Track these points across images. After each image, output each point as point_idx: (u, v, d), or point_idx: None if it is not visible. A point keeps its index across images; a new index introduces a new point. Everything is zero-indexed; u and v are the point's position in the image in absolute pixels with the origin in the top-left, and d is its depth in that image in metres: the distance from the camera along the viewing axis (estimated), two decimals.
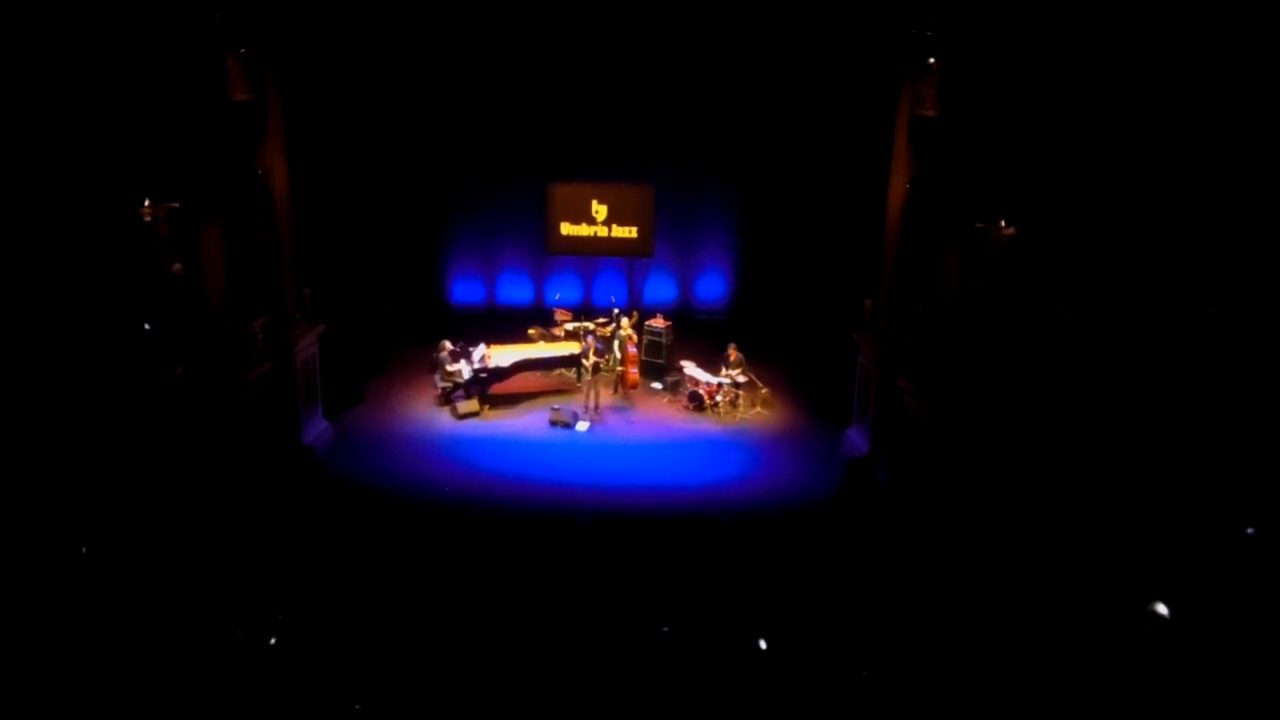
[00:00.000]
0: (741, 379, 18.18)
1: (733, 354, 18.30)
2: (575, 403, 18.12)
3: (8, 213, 12.11)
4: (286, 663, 9.60)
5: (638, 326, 19.35)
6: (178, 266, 13.46)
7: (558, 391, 18.94)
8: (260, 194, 14.98)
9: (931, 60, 14.06)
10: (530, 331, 19.85)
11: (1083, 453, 12.70)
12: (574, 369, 18.98)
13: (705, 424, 17.80)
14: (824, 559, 12.79)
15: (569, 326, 19.77)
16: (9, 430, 11.57)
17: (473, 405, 17.80)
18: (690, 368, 18.64)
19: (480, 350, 18.33)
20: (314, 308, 16.22)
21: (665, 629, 10.28)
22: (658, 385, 19.24)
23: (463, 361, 18.12)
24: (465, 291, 22.50)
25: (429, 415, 17.85)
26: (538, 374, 19.07)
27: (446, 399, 18.06)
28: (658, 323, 19.72)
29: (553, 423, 17.54)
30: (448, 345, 18.36)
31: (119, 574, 10.57)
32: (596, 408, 17.96)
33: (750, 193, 21.67)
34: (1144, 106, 12.80)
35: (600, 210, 21.15)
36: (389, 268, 20.62)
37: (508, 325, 20.32)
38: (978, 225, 13.62)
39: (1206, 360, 12.16)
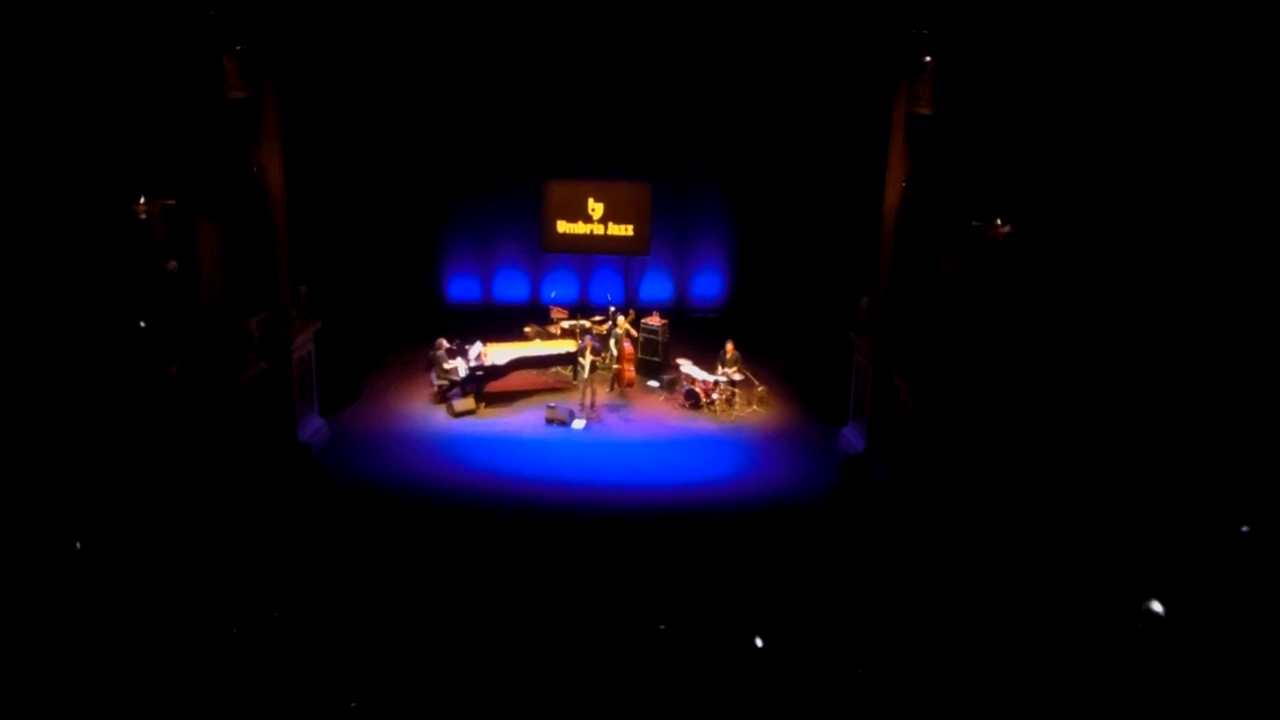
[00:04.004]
0: (738, 377, 18.18)
1: (729, 351, 18.31)
2: (571, 401, 18.11)
3: (3, 210, 12.08)
4: (282, 660, 9.59)
5: (634, 324, 19.34)
6: (173, 264, 13.44)
7: (554, 389, 18.94)
8: (256, 192, 14.96)
9: (928, 58, 14.06)
10: (526, 329, 19.86)
11: (1079, 450, 12.71)
12: (570, 367, 18.98)
13: (701, 422, 17.81)
14: (820, 557, 12.80)
15: (565, 324, 19.78)
16: (3, 427, 11.55)
17: (469, 403, 17.80)
18: (686, 366, 18.64)
19: (476, 348, 18.32)
20: (310, 305, 16.21)
21: (662, 627, 10.28)
22: (654, 383, 19.24)
23: (459, 359, 18.11)
24: (461, 289, 22.52)
25: (425, 413, 17.84)
26: (534, 372, 19.08)
27: (443, 397, 18.05)
28: (654, 321, 19.72)
29: (549, 421, 17.53)
30: (444, 343, 18.35)
31: (113, 571, 10.56)
32: (593, 406, 17.95)
33: (746, 191, 21.71)
34: (1141, 104, 12.81)
35: (596, 208, 21.16)
36: (385, 265, 20.61)
37: (504, 323, 20.32)
38: (974, 223, 13.64)
39: (1203, 358, 12.17)
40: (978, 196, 13.68)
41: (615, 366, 18.89)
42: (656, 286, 22.49)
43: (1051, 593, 10.63)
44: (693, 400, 18.19)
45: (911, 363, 14.86)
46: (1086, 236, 13.39)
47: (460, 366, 17.99)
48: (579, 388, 18.21)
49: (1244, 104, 12.00)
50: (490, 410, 17.97)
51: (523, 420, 17.73)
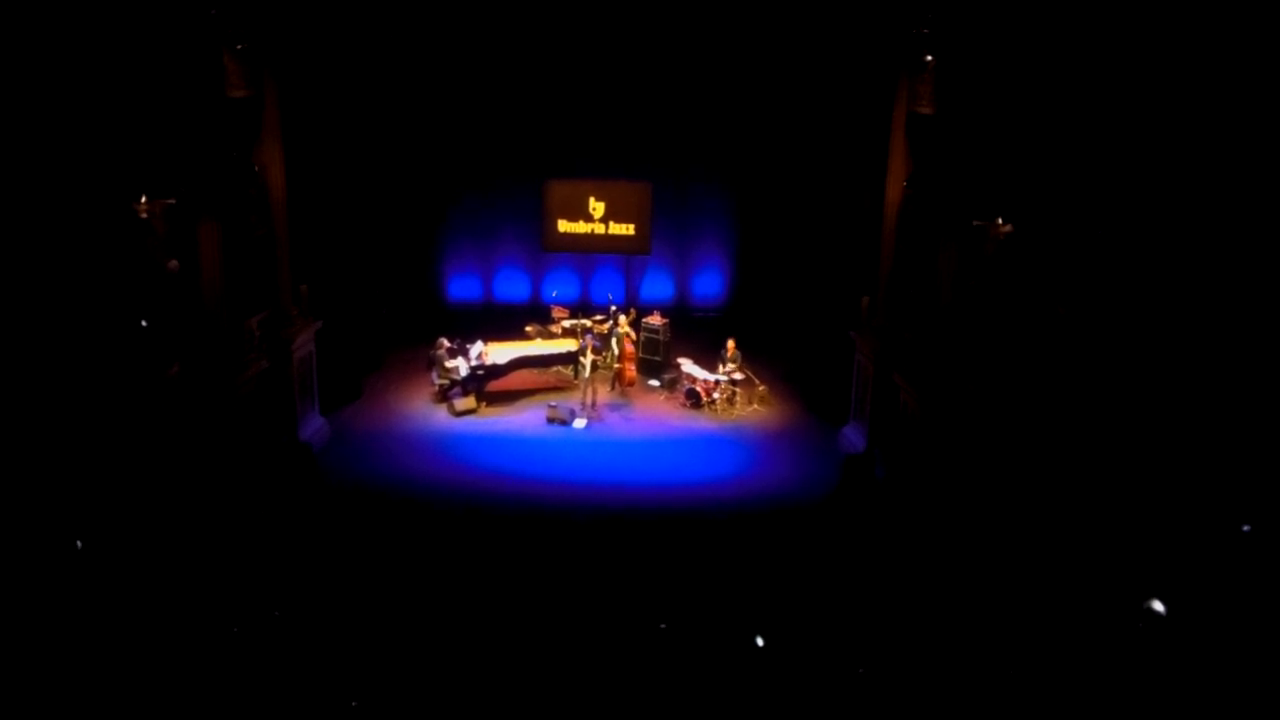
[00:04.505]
0: (739, 376, 18.18)
1: (730, 349, 18.31)
2: (572, 400, 18.11)
3: (4, 209, 12.08)
4: (283, 659, 9.59)
5: (635, 324, 19.33)
6: (174, 264, 13.44)
7: (555, 389, 18.94)
8: (257, 191, 14.96)
9: (929, 58, 14.06)
10: (528, 329, 19.85)
11: (1080, 450, 12.71)
12: (571, 366, 18.98)
13: (702, 421, 17.80)
14: (821, 556, 12.80)
15: (566, 324, 19.77)
16: (4, 427, 11.55)
17: (470, 402, 17.80)
18: (687, 365, 18.64)
19: (477, 347, 18.32)
20: (311, 305, 16.21)
21: (663, 626, 10.28)
22: (655, 382, 19.24)
23: (460, 359, 18.11)
24: (462, 288, 22.52)
25: (426, 412, 17.84)
26: (535, 371, 19.07)
27: (444, 396, 18.05)
28: (655, 320, 19.72)
29: (550, 420, 17.53)
30: (445, 342, 18.35)
31: (114, 570, 10.56)
32: (594, 405, 17.95)
33: (747, 190, 21.71)
34: (1142, 103, 12.80)
35: (597, 207, 21.16)
36: (386, 265, 20.61)
37: (505, 322, 20.31)
38: (975, 223, 13.63)
39: (1205, 358, 12.17)
40: (979, 196, 13.67)
41: (616, 366, 18.89)
42: (657, 286, 22.49)
43: (1052, 592, 10.63)
44: (693, 399, 18.18)
45: (912, 362, 14.86)
46: (1088, 236, 13.38)
47: (461, 366, 17.99)
48: (580, 387, 18.21)
49: (1245, 104, 11.99)
50: (491, 409, 17.97)
51: (524, 419, 17.72)
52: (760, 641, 9.78)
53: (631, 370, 18.86)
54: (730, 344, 18.39)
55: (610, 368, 18.96)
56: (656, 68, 20.13)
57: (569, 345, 18.89)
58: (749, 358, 18.46)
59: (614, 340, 18.86)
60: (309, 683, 9.28)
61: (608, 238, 21.34)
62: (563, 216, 21.26)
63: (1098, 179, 13.26)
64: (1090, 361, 13.18)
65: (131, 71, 12.79)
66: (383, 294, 20.40)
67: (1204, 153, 12.37)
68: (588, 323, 19.25)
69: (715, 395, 18.05)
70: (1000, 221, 13.47)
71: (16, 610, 9.52)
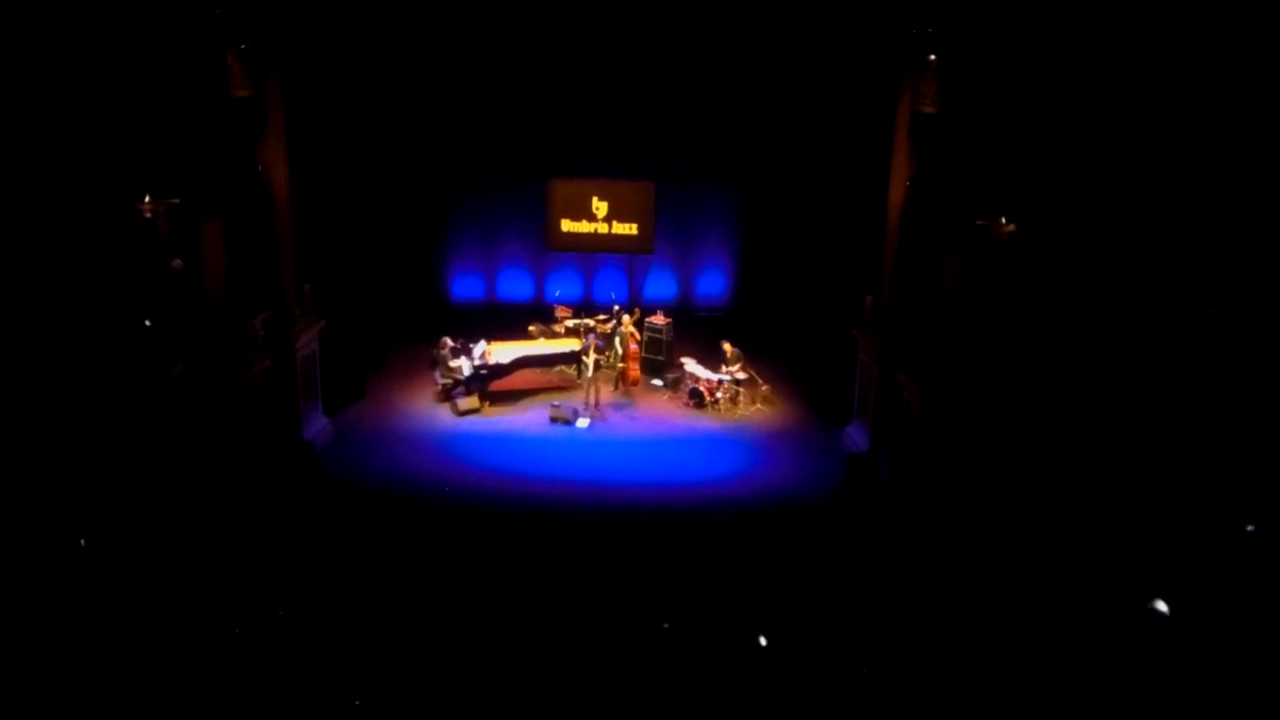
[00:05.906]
0: (742, 375, 18.17)
1: (728, 351, 18.29)
2: (576, 399, 18.12)
3: (8, 209, 12.10)
4: (286, 659, 9.60)
5: (638, 323, 19.34)
6: (178, 263, 13.45)
7: (558, 388, 18.94)
8: (260, 190, 14.98)
9: (932, 57, 14.05)
10: (531, 328, 19.86)
11: (1083, 450, 12.70)
12: (574, 366, 18.98)
13: (706, 421, 17.80)
14: (824, 556, 12.79)
15: (569, 323, 19.78)
16: (9, 426, 11.57)
17: (473, 402, 17.81)
18: (691, 364, 18.63)
19: (481, 347, 18.33)
20: (314, 304, 16.22)
21: (666, 626, 10.29)
22: (658, 382, 19.24)
23: (463, 358, 18.12)
24: (466, 288, 22.53)
25: (429, 412, 17.85)
26: (538, 371, 19.07)
27: (447, 395, 18.06)
28: (658, 319, 19.72)
29: (553, 419, 17.54)
30: (448, 342, 18.35)
31: (118, 570, 10.58)
32: (597, 404, 17.96)
33: (750, 189, 21.70)
34: (1145, 103, 12.78)
35: (601, 207, 21.18)
36: (389, 264, 20.61)
37: (508, 322, 20.32)
38: (978, 222, 13.62)
39: (1208, 357, 12.15)
40: (982, 195, 13.66)
41: (619, 365, 18.90)
42: (661, 285, 22.49)
43: (1056, 592, 10.62)
44: (697, 399, 18.18)
45: (915, 362, 14.85)
46: (1091, 235, 13.37)
47: (464, 365, 18.00)
48: (583, 386, 18.21)
49: (1248, 102, 11.97)
50: (494, 409, 17.98)
51: (527, 419, 17.73)
52: (763, 641, 9.78)
53: (635, 370, 18.87)
54: (727, 346, 18.34)
55: (613, 367, 18.96)
56: (660, 67, 20.10)
57: (572, 345, 18.90)
58: (752, 357, 18.45)
59: (617, 340, 18.87)
60: (312, 682, 9.29)
61: (611, 237, 21.35)
62: (566, 216, 21.27)
63: (1101, 178, 13.24)
64: (1094, 361, 13.17)
65: (135, 71, 12.80)
66: (386, 293, 20.39)
67: (1207, 152, 12.35)
68: (591, 322, 19.27)
69: (719, 395, 18.04)
70: (1004, 221, 13.46)
71: (20, 609, 9.54)
